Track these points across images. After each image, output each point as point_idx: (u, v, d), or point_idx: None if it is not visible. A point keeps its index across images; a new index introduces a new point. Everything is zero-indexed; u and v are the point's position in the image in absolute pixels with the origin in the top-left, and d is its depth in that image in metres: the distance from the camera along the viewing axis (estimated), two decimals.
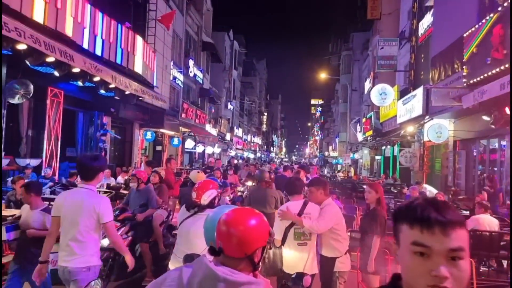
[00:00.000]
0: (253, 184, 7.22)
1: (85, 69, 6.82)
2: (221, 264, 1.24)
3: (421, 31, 14.29)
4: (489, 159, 10.32)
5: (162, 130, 15.03)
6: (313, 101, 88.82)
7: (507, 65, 6.83)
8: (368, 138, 22.12)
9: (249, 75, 42.12)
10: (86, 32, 7.42)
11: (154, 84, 12.25)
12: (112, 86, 9.50)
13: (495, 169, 10.24)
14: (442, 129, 11.70)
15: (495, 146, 10.23)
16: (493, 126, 7.65)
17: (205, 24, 21.01)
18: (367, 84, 22.55)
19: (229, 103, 28.30)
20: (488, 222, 5.03)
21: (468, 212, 6.67)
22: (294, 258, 3.14)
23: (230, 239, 1.26)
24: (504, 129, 8.59)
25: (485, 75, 7.68)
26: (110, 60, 8.63)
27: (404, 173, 16.70)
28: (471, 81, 8.36)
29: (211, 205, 2.82)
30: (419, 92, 12.54)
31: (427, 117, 12.35)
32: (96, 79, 8.18)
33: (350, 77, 30.92)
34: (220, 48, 24.90)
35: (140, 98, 11.71)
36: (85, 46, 7.44)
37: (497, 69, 7.19)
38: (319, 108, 71.25)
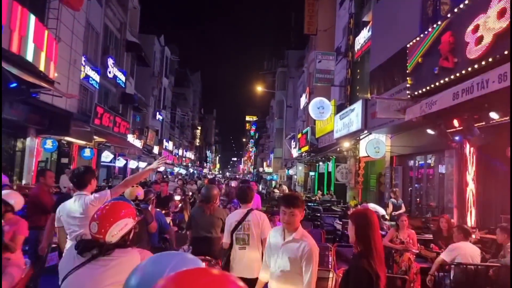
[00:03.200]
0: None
1: None
2: None
3: (357, 46, 14.19)
4: (426, 174, 10.06)
5: (68, 139, 12.38)
6: (247, 118, 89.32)
7: (458, 74, 6.31)
8: (303, 154, 21.69)
9: (182, 86, 39.93)
10: None
11: (54, 79, 9.84)
12: None
13: (428, 185, 10.03)
14: (380, 144, 11.33)
15: (430, 162, 10.04)
16: (453, 140, 7.08)
17: (130, 22, 18.78)
18: (303, 100, 22.32)
19: (157, 113, 25.83)
20: (471, 252, 4.06)
21: (431, 235, 5.81)
22: (238, 261, 3.53)
23: None
24: (442, 145, 8.29)
25: (432, 85, 7.19)
26: None
27: (339, 189, 16.31)
28: (415, 93, 7.88)
29: (123, 243, 1.81)
30: (357, 106, 12.14)
31: (365, 131, 11.95)
32: None
33: (285, 94, 30.88)
34: (149, 52, 22.67)
35: (34, 95, 9.26)
36: None
37: (446, 79, 6.69)
38: (254, 127, 71.44)
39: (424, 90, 7.49)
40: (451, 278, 4.14)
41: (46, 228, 3.58)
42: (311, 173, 23.54)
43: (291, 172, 28.71)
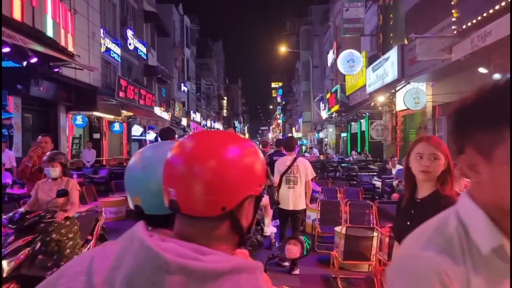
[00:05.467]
0: None
1: None
2: (177, 234, 0.64)
3: None
4: None
5: (96, 113, 12.44)
6: (273, 85, 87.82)
7: None
8: (333, 115, 20.83)
9: (204, 56, 39.27)
10: None
11: (75, 53, 9.68)
12: (6, 50, 7.07)
13: None
14: (420, 94, 10.41)
15: None
16: (496, 76, 6.18)
17: None
18: (330, 56, 21.10)
19: (182, 84, 25.61)
20: None
21: None
22: (286, 197, 4.37)
23: (191, 182, 0.61)
24: None
25: (484, 14, 6.21)
26: None
27: (374, 148, 15.53)
28: (464, 27, 6.91)
29: None
30: (392, 53, 11.12)
31: (402, 81, 10.99)
32: None
33: (311, 53, 29.47)
34: (168, 22, 22.10)
35: (56, 70, 9.17)
36: None
37: (502, 3, 5.71)
38: (280, 91, 70.07)
39: (474, 21, 6.53)
40: None
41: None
42: (343, 134, 22.71)
43: (321, 135, 27.96)
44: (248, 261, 0.62)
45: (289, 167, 4.32)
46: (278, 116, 77.31)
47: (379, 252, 3.79)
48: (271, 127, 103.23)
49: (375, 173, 8.69)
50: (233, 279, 0.57)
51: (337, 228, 4.41)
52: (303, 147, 35.01)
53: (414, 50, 9.75)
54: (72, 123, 12.01)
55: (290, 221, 4.50)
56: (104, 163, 12.84)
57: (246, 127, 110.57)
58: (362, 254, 3.59)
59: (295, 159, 4.38)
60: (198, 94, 34.85)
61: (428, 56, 7.94)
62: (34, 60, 8.12)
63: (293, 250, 1.30)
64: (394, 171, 7.02)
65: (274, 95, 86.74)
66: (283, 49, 26.67)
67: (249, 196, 0.66)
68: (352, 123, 19.69)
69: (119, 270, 0.58)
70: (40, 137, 4.79)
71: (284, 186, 4.34)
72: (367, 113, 15.44)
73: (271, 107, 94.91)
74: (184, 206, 0.63)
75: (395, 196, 5.87)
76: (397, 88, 11.90)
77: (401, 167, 6.79)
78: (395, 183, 6.12)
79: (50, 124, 11.37)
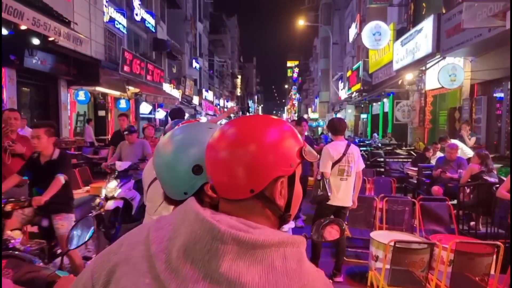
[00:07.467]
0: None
1: None
2: (222, 212, 0.71)
3: None
4: None
5: (99, 89, 11.67)
6: (289, 63, 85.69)
7: None
8: (354, 94, 19.54)
9: (218, 32, 37.82)
10: None
11: (73, 20, 8.79)
12: None
13: None
14: (457, 71, 9.16)
15: None
16: None
17: None
18: (352, 31, 19.57)
19: (194, 60, 24.54)
20: None
21: None
22: (336, 190, 3.56)
23: (220, 172, 0.69)
24: None
25: None
26: None
27: (397, 131, 14.36)
28: None
29: None
30: (427, 24, 9.79)
31: (437, 56, 9.72)
32: None
33: (331, 29, 27.76)
34: None
35: (50, 39, 8.31)
36: None
37: None
38: (296, 70, 68.09)
39: None
40: None
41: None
42: (363, 116, 21.44)
43: (339, 116, 26.70)
44: (293, 236, 0.65)
45: (344, 154, 3.54)
46: (293, 96, 75.65)
47: (431, 271, 2.83)
48: (285, 108, 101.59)
49: (405, 159, 7.63)
50: (280, 251, 0.61)
51: (375, 235, 3.33)
52: (319, 129, 33.80)
53: (453, 19, 8.46)
54: (74, 99, 11.31)
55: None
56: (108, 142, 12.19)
57: (260, 107, 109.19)
58: (411, 275, 2.66)
59: (348, 146, 3.58)
60: (211, 71, 33.73)
61: (476, 24, 6.68)
62: (24, 27, 7.30)
63: (333, 232, 1.30)
64: (433, 160, 5.98)
65: (289, 74, 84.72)
66: (301, 22, 25.02)
67: (278, 177, 0.68)
68: (374, 104, 18.40)
69: (175, 240, 0.62)
70: (6, 111, 3.98)
71: (335, 177, 3.56)
72: (392, 93, 14.18)
73: (286, 86, 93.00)
74: (219, 190, 0.69)
75: (435, 189, 4.88)
76: (428, 65, 10.64)
77: (442, 154, 5.74)
78: (436, 173, 5.10)
79: (50, 99, 10.68)
